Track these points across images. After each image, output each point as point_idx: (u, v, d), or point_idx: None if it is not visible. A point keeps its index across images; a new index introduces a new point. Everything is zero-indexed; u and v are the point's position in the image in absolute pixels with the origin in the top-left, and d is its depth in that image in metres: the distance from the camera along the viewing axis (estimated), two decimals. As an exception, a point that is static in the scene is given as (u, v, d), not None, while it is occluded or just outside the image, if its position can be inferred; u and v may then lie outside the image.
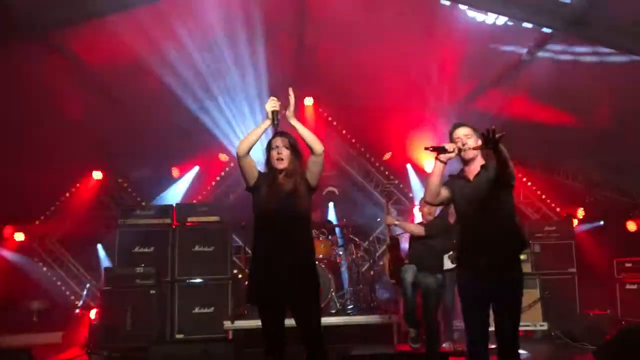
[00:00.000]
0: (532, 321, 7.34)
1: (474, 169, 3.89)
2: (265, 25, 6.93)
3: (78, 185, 9.61)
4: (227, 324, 7.16)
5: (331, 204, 9.79)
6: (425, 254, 5.97)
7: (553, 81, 6.52)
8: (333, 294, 7.55)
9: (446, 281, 6.19)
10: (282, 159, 3.87)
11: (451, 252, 6.13)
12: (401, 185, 10.25)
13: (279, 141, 3.91)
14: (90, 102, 7.44)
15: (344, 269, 8.53)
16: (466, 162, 3.91)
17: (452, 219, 5.81)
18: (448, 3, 5.96)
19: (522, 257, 5.44)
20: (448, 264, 6.16)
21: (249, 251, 5.53)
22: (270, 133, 4.04)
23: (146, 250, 7.97)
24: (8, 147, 7.22)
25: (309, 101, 9.60)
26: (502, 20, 5.99)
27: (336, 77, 8.54)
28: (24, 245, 9.27)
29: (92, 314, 7.75)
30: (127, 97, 7.68)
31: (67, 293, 9.42)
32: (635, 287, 7.84)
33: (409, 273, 5.98)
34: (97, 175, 9.49)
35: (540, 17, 5.78)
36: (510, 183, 3.78)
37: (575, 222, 9.01)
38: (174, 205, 8.48)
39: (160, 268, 7.70)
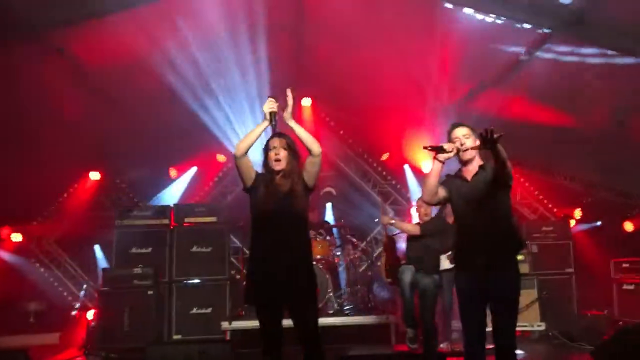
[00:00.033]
0: (529, 321, 7.35)
1: (472, 169, 3.90)
2: (264, 25, 6.92)
3: (76, 185, 9.59)
4: (225, 324, 7.15)
5: (329, 205, 9.80)
6: (422, 254, 5.98)
7: (551, 81, 6.53)
8: (331, 294, 7.55)
9: (444, 281, 6.20)
10: (279, 160, 3.88)
11: (449, 253, 6.14)
12: (398, 186, 10.27)
13: (276, 142, 3.91)
14: (88, 102, 7.41)
15: (341, 269, 8.53)
16: (464, 162, 3.92)
17: (450, 220, 5.82)
18: (451, 6, 5.96)
19: (519, 257, 5.43)
20: (446, 264, 6.17)
21: (247, 252, 5.53)
22: (268, 133, 4.04)
23: (144, 250, 7.97)
24: (5, 147, 7.19)
25: (307, 101, 9.60)
26: (501, 20, 5.99)
27: (334, 78, 8.54)
28: (21, 246, 9.25)
29: (90, 314, 7.72)
30: (125, 98, 7.66)
31: (65, 294, 9.40)
32: (632, 287, 7.86)
33: (407, 274, 5.99)
34: (94, 175, 9.47)
35: (540, 18, 5.78)
36: (507, 183, 3.79)
37: (573, 222, 9.04)
38: (172, 205, 8.47)
39: (157, 269, 7.68)
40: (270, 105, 3.85)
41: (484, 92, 7.37)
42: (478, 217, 3.78)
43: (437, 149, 3.80)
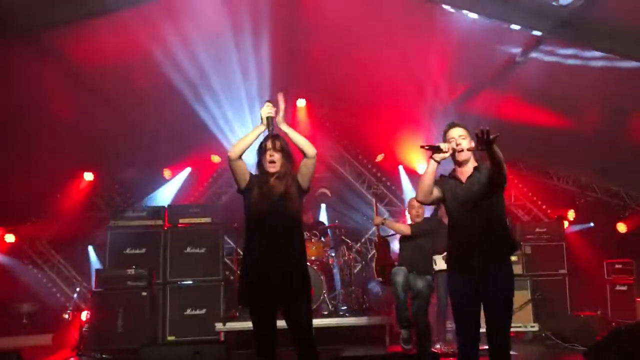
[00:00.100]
0: (523, 322, 7.37)
1: (466, 170, 3.91)
2: (258, 27, 6.91)
3: (69, 186, 9.54)
4: (219, 325, 7.14)
5: (323, 206, 9.81)
6: (415, 255, 5.99)
7: (546, 83, 6.54)
8: (325, 295, 7.55)
9: (439, 282, 6.20)
10: (274, 162, 3.87)
11: (445, 253, 6.14)
12: (393, 187, 10.27)
13: (270, 144, 3.90)
14: (81, 102, 7.37)
15: (336, 270, 8.52)
16: (459, 163, 3.93)
17: (446, 220, 5.83)
18: (449, 8, 5.96)
19: (513, 258, 5.48)
20: (442, 265, 6.17)
21: (241, 253, 5.52)
22: (263, 135, 4.04)
23: (137, 251, 7.96)
24: (-1, 147, 7.17)
25: (301, 103, 9.59)
26: (498, 21, 5.99)
27: (329, 78, 8.53)
28: (14, 247, 9.18)
29: (83, 315, 7.69)
30: (119, 98, 7.63)
31: (58, 295, 9.35)
32: (625, 288, 7.91)
33: (400, 275, 5.98)
34: (88, 176, 9.41)
35: (537, 19, 5.78)
36: (502, 185, 3.80)
37: (566, 223, 9.07)
38: (166, 206, 8.47)
39: (151, 270, 7.67)
40: (267, 109, 3.85)
41: (480, 93, 7.38)
42: (472, 219, 3.80)
43: (434, 149, 3.80)
